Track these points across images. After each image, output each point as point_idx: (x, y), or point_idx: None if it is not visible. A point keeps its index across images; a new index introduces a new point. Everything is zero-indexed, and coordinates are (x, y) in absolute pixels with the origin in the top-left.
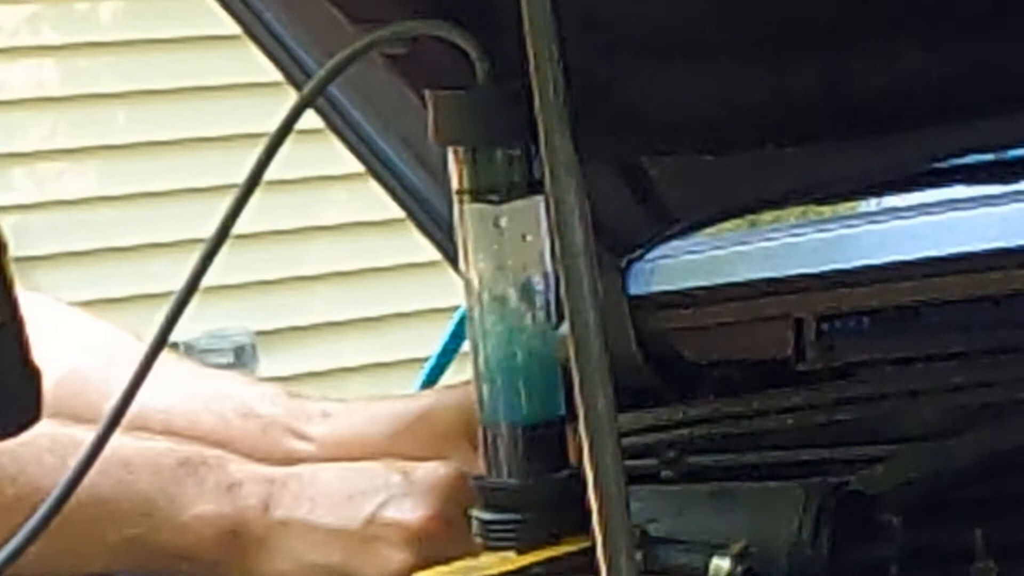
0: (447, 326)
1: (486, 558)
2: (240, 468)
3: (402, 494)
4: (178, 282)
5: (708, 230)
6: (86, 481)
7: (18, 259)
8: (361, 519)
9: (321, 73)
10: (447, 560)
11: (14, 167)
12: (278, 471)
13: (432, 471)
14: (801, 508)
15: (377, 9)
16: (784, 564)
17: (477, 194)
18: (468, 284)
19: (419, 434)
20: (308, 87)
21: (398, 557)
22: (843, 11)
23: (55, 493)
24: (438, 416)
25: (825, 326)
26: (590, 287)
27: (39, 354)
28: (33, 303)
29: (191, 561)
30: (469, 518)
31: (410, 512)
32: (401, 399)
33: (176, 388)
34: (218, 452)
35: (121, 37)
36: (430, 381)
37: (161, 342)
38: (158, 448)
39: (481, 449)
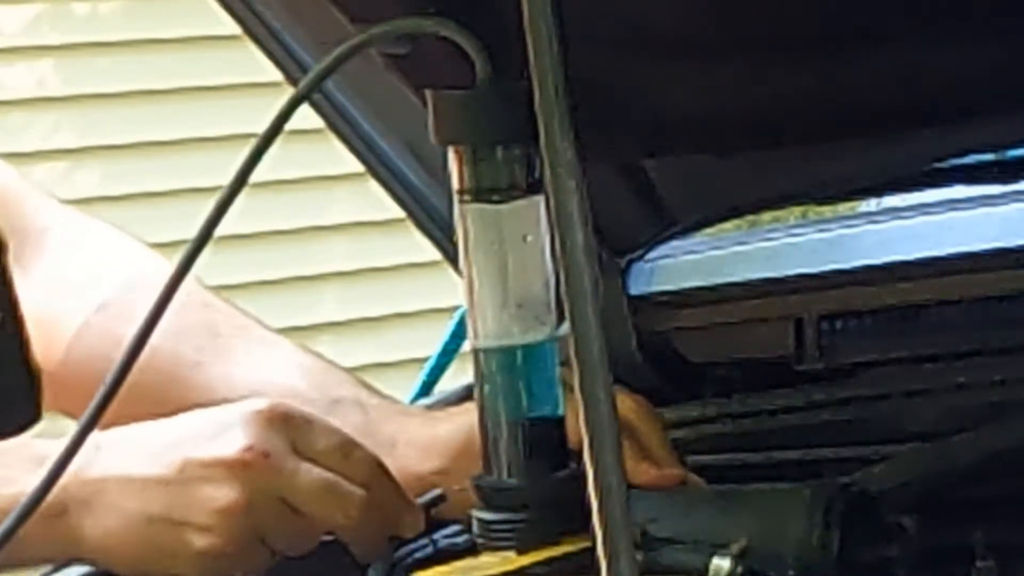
0: (447, 326)
1: (486, 558)
2: (46, 443)
3: (218, 432)
4: None
5: (708, 230)
6: None
7: None
8: (178, 463)
9: (318, 67)
10: (277, 493)
11: (14, 167)
12: (93, 435)
13: (244, 407)
14: (809, 509)
15: (377, 8)
16: (792, 566)
17: (477, 194)
18: (468, 284)
19: (470, 464)
20: (304, 81)
21: (222, 493)
22: (843, 11)
23: (45, 475)
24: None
25: (825, 326)
26: (590, 287)
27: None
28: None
29: (30, 546)
30: (296, 451)
31: (227, 447)
32: (453, 421)
33: (241, 372)
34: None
35: (121, 37)
36: (430, 381)
37: (146, 333)
38: None
39: (481, 449)
